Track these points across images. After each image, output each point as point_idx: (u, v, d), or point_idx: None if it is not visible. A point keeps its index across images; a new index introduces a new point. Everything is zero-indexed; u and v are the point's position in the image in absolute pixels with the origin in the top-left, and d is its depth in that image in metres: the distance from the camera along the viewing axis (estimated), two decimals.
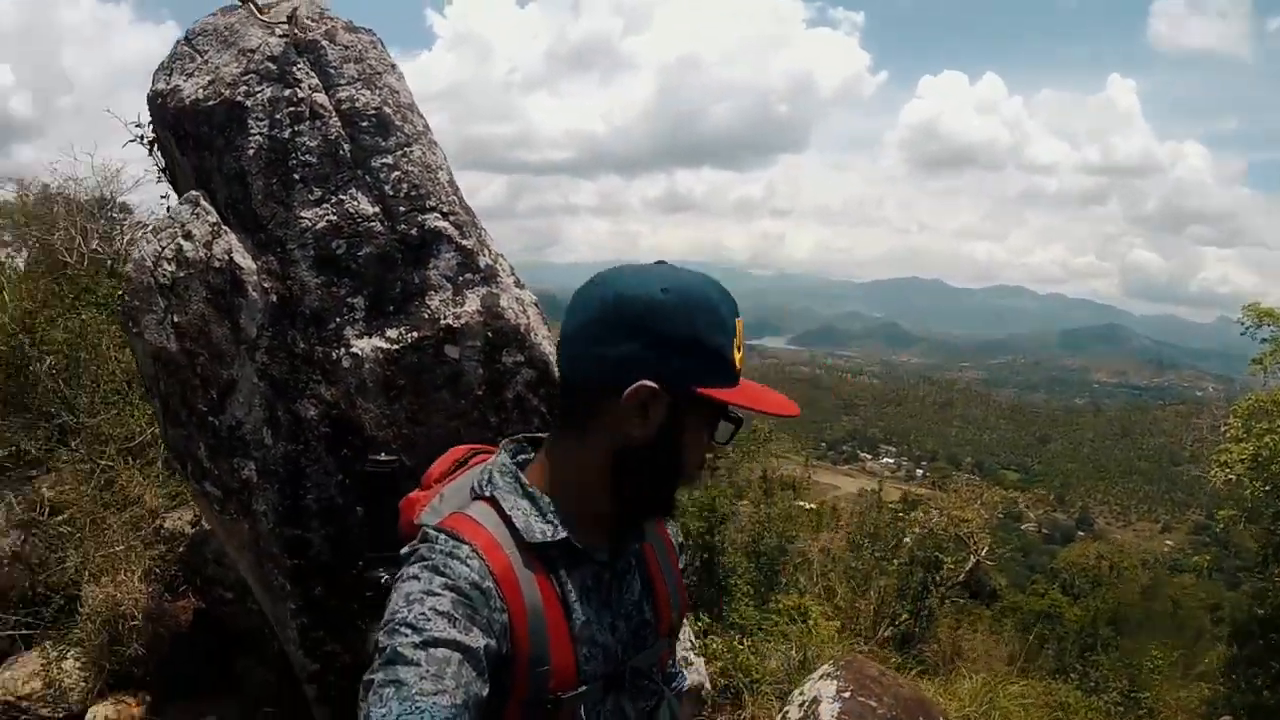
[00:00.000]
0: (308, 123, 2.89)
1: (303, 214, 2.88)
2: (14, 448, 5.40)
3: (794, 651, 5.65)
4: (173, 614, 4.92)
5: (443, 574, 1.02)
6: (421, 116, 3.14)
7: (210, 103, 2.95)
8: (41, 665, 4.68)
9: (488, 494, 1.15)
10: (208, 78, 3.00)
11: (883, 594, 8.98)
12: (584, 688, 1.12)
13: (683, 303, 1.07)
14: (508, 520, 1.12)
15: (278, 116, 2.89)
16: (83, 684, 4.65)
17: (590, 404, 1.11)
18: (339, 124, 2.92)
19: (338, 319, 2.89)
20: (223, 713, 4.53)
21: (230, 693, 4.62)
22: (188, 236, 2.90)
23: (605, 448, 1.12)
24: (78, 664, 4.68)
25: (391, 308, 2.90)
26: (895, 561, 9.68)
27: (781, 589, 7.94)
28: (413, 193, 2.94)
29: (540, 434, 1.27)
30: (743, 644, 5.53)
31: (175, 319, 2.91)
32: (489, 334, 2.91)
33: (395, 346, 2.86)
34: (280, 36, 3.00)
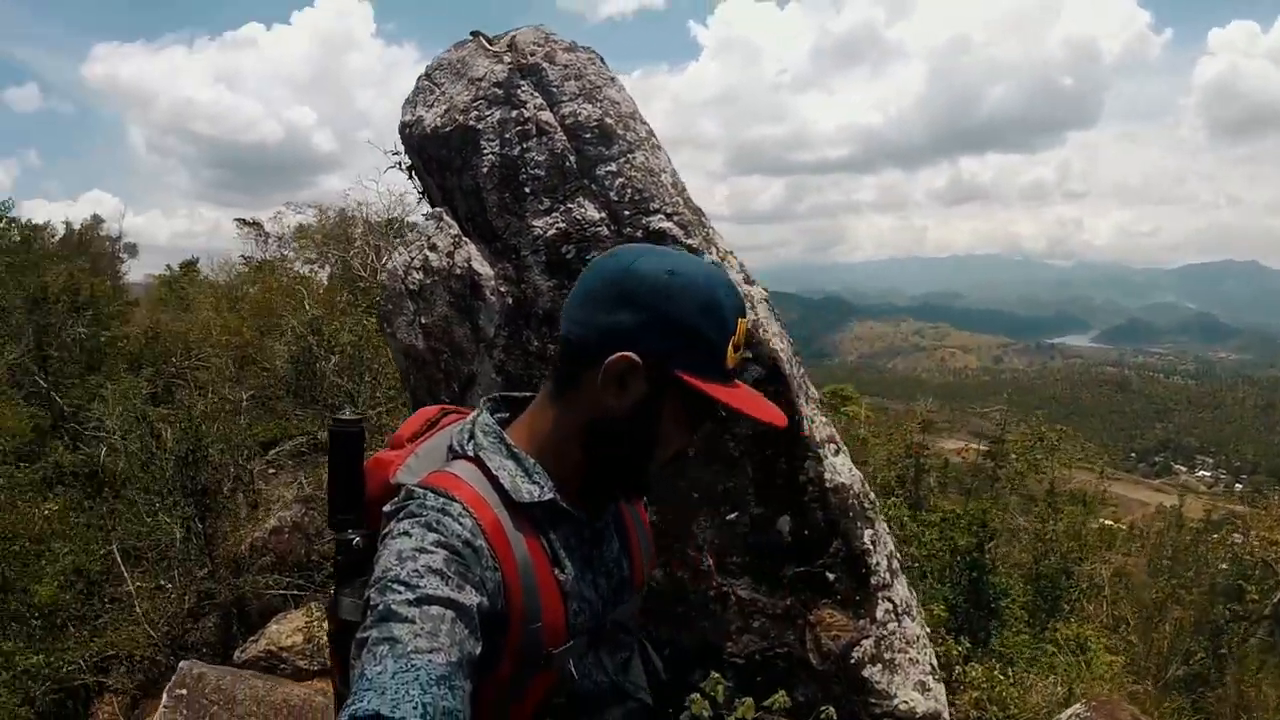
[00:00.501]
0: (535, 139, 3.09)
1: (534, 223, 3.07)
2: (309, 435, 6.19)
3: (1059, 687, 5.16)
4: None
5: (435, 530, 1.01)
6: (645, 124, 3.25)
7: (447, 129, 3.23)
8: (305, 622, 5.32)
9: (471, 453, 1.15)
10: (444, 107, 3.29)
11: (1178, 627, 7.99)
12: (572, 642, 1.13)
13: (685, 288, 1.07)
14: (494, 480, 1.11)
15: (507, 136, 3.12)
16: None
17: (576, 370, 1.12)
18: (564, 138, 3.10)
19: None
20: None
21: None
22: (432, 248, 3.21)
23: (582, 415, 1.13)
24: None
25: None
26: (1194, 590, 8.50)
27: (1063, 616, 7.25)
28: (636, 197, 3.05)
29: (516, 394, 1.29)
30: (1005, 674, 5.00)
31: (423, 321, 3.23)
32: None
33: None
34: (505, 64, 3.24)
